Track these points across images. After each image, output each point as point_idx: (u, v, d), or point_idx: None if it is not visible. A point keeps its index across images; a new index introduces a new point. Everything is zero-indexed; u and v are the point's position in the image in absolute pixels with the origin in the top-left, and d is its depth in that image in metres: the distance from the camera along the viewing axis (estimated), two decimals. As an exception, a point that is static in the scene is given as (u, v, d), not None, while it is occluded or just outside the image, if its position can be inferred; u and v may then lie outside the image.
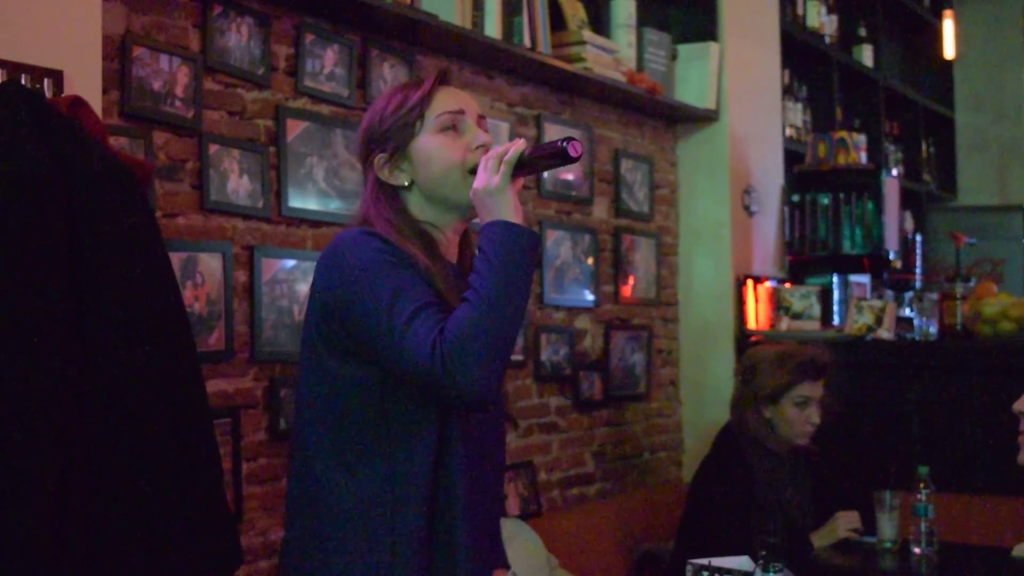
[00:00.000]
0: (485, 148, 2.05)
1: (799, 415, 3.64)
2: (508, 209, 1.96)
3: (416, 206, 2.09)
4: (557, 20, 4.09)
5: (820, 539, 3.64)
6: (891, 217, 5.21)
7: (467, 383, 1.84)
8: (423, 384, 1.88)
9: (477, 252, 1.95)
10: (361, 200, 2.14)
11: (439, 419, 1.97)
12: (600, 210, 4.48)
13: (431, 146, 2.05)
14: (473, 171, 2.02)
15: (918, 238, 5.80)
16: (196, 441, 2.22)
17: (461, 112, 2.07)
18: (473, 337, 1.84)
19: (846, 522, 3.67)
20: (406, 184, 2.07)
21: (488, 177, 1.96)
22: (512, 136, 3.99)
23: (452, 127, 2.06)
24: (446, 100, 2.08)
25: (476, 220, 2.05)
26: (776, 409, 3.65)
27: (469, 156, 2.05)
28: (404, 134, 2.06)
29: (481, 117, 2.11)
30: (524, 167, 1.99)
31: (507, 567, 2.23)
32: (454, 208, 2.08)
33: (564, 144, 1.95)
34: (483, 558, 2.06)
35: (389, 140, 2.07)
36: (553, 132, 4.21)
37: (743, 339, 4.79)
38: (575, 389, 4.30)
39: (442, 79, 2.11)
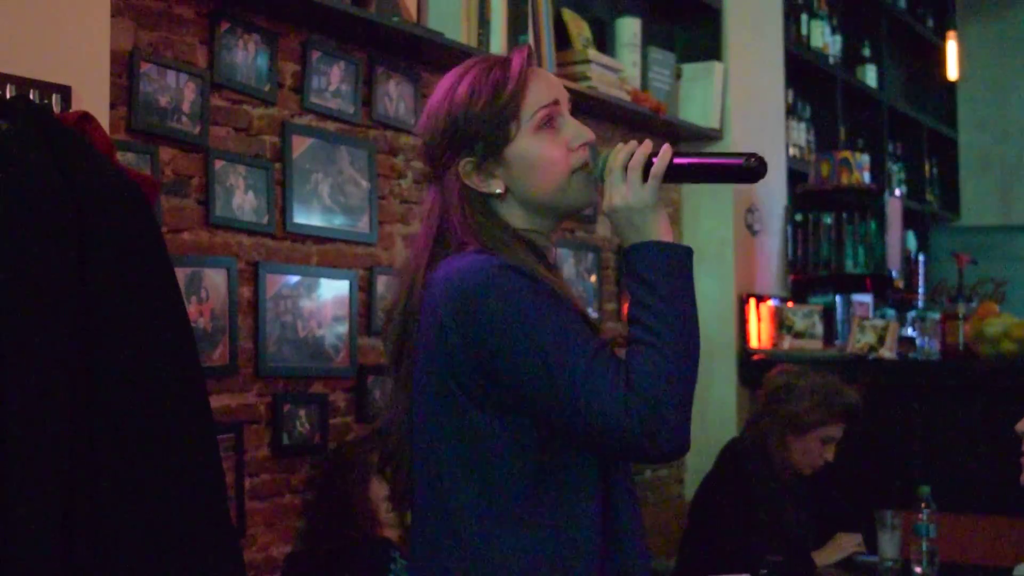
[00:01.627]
0: (587, 144, 1.79)
1: (819, 450, 3.62)
2: (660, 227, 1.71)
3: (510, 214, 1.80)
4: (562, 39, 4.10)
5: (822, 558, 3.63)
6: (894, 237, 5.22)
7: (668, 439, 1.63)
8: (614, 443, 1.65)
9: (630, 277, 1.72)
10: (434, 206, 1.82)
11: (602, 465, 1.75)
12: (603, 228, 4.49)
13: (531, 151, 1.77)
14: (577, 171, 1.78)
15: (921, 258, 5.81)
16: (199, 456, 2.23)
17: (556, 103, 1.79)
18: (667, 386, 1.63)
19: (849, 542, 3.67)
20: (499, 192, 1.79)
21: (634, 192, 1.71)
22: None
23: (547, 123, 1.78)
24: (539, 90, 1.78)
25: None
26: (800, 439, 3.62)
27: (572, 157, 1.78)
28: (497, 137, 1.76)
29: (570, 100, 1.83)
30: (673, 177, 1.73)
31: None
32: (555, 214, 1.83)
33: (751, 162, 1.70)
34: None
35: (478, 142, 1.77)
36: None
37: (746, 358, 4.79)
38: (577, 406, 4.29)
39: (528, 60, 1.80)
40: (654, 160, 1.73)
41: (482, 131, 1.76)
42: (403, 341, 1.82)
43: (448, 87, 1.81)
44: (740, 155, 1.71)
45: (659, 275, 1.69)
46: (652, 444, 1.62)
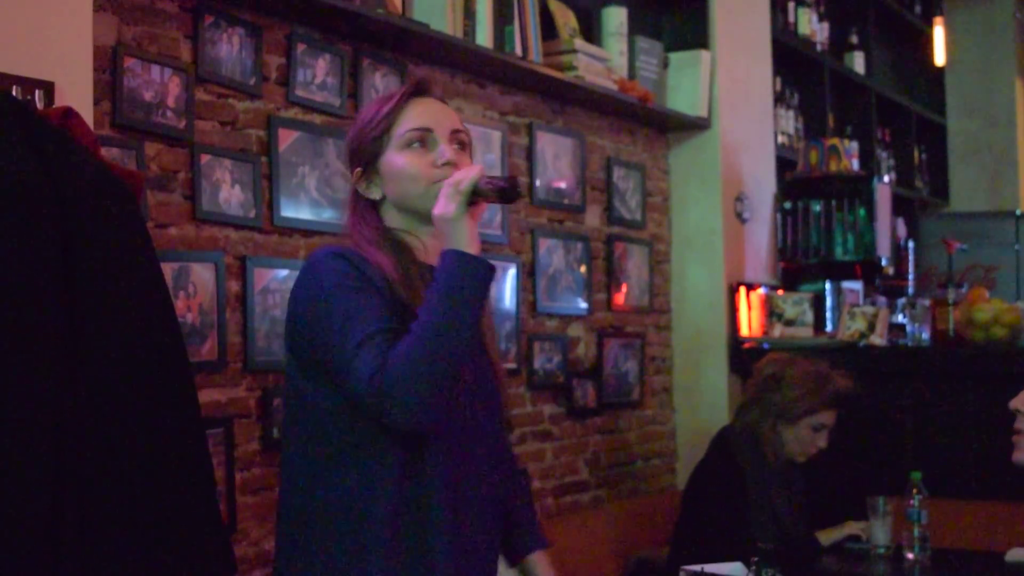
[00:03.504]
0: (452, 165, 2.06)
1: (811, 438, 3.62)
2: (464, 238, 1.97)
3: (391, 217, 2.12)
4: (548, 29, 4.10)
5: (825, 537, 3.64)
6: (883, 224, 5.22)
7: (401, 414, 1.89)
8: (366, 411, 1.93)
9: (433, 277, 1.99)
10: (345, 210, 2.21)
11: (411, 451, 2.00)
12: (592, 218, 4.48)
13: (395, 163, 2.08)
14: (436, 184, 2.05)
15: (910, 244, 5.81)
16: (189, 451, 2.22)
17: (428, 130, 2.09)
18: (411, 369, 1.88)
19: (853, 526, 3.67)
20: (378, 198, 2.12)
21: (445, 204, 1.98)
22: (504, 145, 4.00)
23: (419, 143, 2.08)
24: (415, 116, 2.10)
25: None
26: (791, 428, 3.62)
27: (435, 172, 2.06)
28: (372, 150, 2.11)
29: (456, 131, 2.12)
30: (480, 196, 1.99)
31: (544, 546, 2.39)
32: (423, 217, 2.09)
33: (507, 184, 1.98)
34: (471, 563, 2.08)
35: (362, 155, 2.12)
36: (545, 140, 4.21)
37: (736, 346, 4.80)
38: (568, 397, 4.30)
39: (418, 90, 2.14)
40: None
41: (362, 145, 2.12)
42: None
43: (359, 114, 2.20)
44: (505, 178, 2.01)
45: (446, 277, 1.94)
46: (387, 415, 1.90)
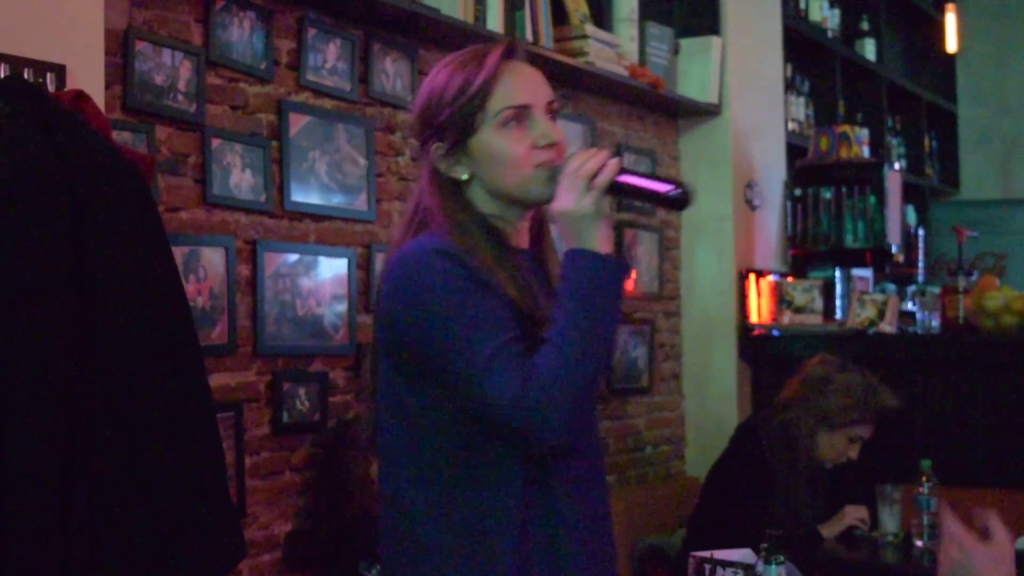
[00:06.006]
0: (556, 145, 1.83)
1: (844, 448, 3.59)
2: (597, 237, 1.76)
3: (479, 199, 1.87)
4: (559, 14, 4.08)
5: (827, 529, 3.62)
6: (893, 211, 5.21)
7: (551, 434, 1.70)
8: (504, 433, 1.73)
9: (559, 279, 1.78)
10: (417, 187, 1.91)
11: (535, 461, 1.79)
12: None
13: (493, 144, 1.83)
14: (540, 167, 1.82)
15: (920, 232, 5.80)
16: (199, 435, 2.23)
17: (527, 107, 1.83)
18: (559, 386, 1.69)
19: (853, 512, 3.65)
20: (465, 178, 1.86)
21: (576, 199, 1.75)
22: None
23: (516, 120, 1.83)
24: (511, 90, 1.83)
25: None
26: (829, 434, 3.59)
27: (535, 154, 1.82)
28: (463, 127, 1.83)
29: (551, 102, 1.87)
30: (614, 191, 1.78)
31: None
32: (519, 202, 1.87)
33: (674, 192, 1.77)
34: (602, 570, 1.89)
35: (447, 131, 1.84)
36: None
37: (746, 333, 4.79)
38: (577, 383, 4.29)
39: (508, 53, 1.86)
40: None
41: (449, 120, 1.84)
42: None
43: (434, 73, 1.89)
44: (670, 182, 1.79)
45: (582, 281, 1.74)
46: (535, 437, 1.70)
